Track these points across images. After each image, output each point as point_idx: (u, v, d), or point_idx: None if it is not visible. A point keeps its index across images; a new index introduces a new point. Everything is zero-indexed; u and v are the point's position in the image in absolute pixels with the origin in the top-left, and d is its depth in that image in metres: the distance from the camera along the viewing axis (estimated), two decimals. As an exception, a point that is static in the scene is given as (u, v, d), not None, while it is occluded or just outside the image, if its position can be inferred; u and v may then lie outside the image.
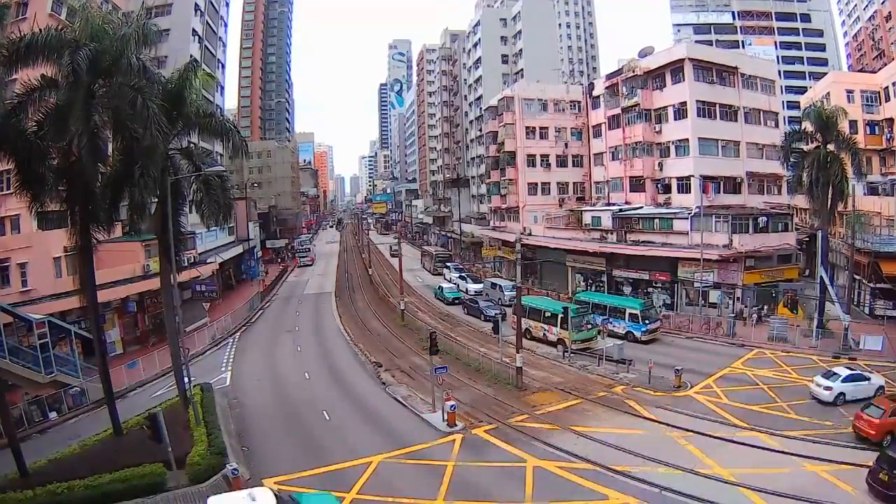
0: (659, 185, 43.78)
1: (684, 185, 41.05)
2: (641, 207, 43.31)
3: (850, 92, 46.33)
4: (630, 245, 41.05)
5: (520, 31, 69.82)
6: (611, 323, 33.28)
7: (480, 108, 67.96)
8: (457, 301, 46.24)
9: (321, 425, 22.43)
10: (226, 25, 65.36)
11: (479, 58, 72.19)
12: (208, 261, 47.12)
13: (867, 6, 76.11)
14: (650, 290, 40.13)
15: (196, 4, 52.71)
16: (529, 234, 50.20)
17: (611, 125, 48.83)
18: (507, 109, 55.35)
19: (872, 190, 40.63)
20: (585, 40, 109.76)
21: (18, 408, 23.00)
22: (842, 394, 21.63)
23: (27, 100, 16.94)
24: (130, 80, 17.28)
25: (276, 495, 13.33)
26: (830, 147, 30.21)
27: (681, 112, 41.29)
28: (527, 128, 54.63)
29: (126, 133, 17.78)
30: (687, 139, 40.88)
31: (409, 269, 59.53)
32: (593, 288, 44.65)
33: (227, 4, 66.18)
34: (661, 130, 43.02)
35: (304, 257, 79.71)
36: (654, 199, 43.71)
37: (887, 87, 45.03)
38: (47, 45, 16.41)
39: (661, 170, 43.20)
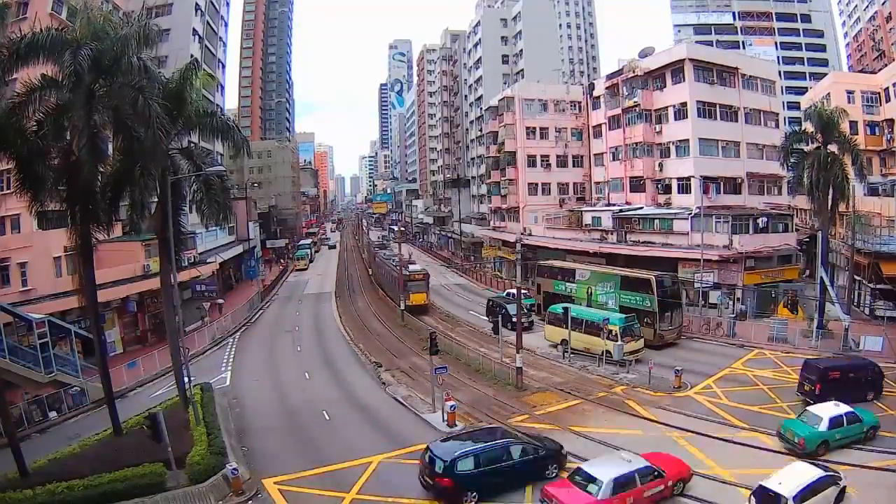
0: (659, 186, 43.81)
1: (684, 186, 41.07)
2: (641, 208, 43.33)
3: (850, 93, 46.28)
4: (630, 245, 41.06)
5: (520, 32, 69.86)
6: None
7: (481, 109, 68.03)
8: None
9: (321, 425, 22.42)
10: (226, 25, 65.39)
11: (480, 58, 72.26)
12: (208, 261, 47.13)
13: (867, 7, 76.13)
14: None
15: (196, 4, 52.74)
16: (530, 235, 50.23)
17: (611, 125, 48.87)
18: (508, 109, 55.39)
19: (873, 191, 40.58)
20: (585, 40, 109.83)
21: (18, 407, 22.98)
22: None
23: (28, 99, 16.91)
24: (131, 80, 17.29)
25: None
26: (831, 148, 30.19)
27: (681, 112, 41.33)
28: (527, 128, 54.69)
29: (126, 133, 17.78)
30: (687, 140, 40.91)
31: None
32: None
33: (228, 4, 66.24)
34: (662, 131, 43.04)
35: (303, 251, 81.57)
36: (654, 199, 43.73)
37: (888, 88, 45.00)
38: (48, 44, 16.40)
39: (661, 170, 43.22)
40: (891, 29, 69.88)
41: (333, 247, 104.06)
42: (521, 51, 69.77)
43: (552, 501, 13.95)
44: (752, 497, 13.13)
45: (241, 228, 63.78)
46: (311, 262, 79.63)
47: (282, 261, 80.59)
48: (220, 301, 45.62)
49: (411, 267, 48.09)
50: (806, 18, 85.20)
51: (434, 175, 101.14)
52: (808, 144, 32.02)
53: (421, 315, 41.00)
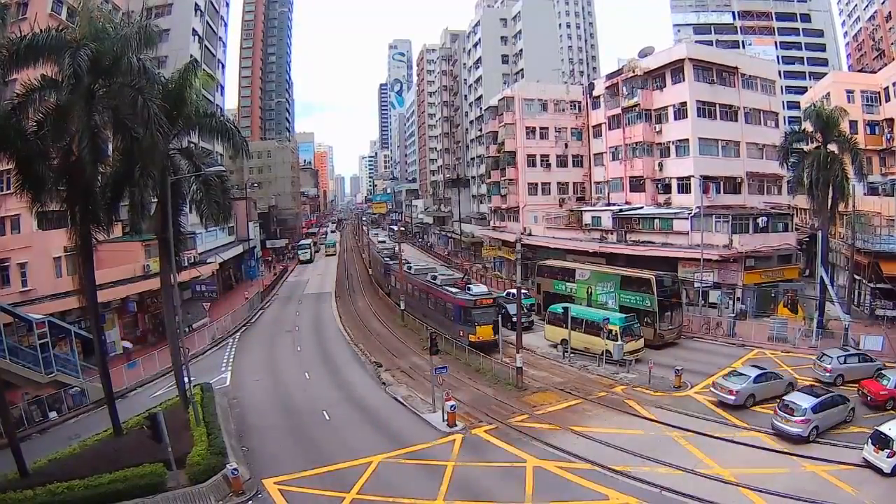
0: (659, 186, 43.78)
1: (684, 186, 41.05)
2: (641, 207, 43.30)
3: (850, 92, 46.24)
4: (630, 245, 41.04)
5: (520, 31, 69.81)
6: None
7: (480, 108, 67.97)
8: None
9: (321, 425, 22.44)
10: (226, 25, 65.37)
11: (480, 58, 72.21)
12: (208, 261, 47.15)
13: (867, 6, 76.09)
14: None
15: (196, 4, 52.73)
16: (529, 235, 50.22)
17: (611, 125, 48.85)
18: (508, 109, 55.36)
19: (873, 190, 40.60)
20: (585, 40, 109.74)
21: (18, 408, 23.00)
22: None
23: (27, 100, 16.92)
24: (131, 81, 17.28)
25: None
26: (831, 147, 30.18)
27: (681, 112, 41.29)
28: (527, 128, 54.65)
29: (126, 133, 17.77)
30: (687, 139, 40.88)
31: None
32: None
33: (227, 4, 66.22)
34: (662, 130, 43.01)
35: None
36: (654, 199, 43.71)
37: (887, 88, 44.97)
38: (48, 45, 16.40)
39: (661, 170, 43.20)
40: (890, 28, 69.86)
41: (335, 232, 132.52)
42: (521, 51, 69.70)
43: (865, 387, 21.35)
44: (870, 439, 16.56)
45: (241, 228, 63.80)
46: (311, 261, 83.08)
47: (281, 258, 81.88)
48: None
49: (474, 289, 36.52)
50: (806, 18, 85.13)
51: (434, 175, 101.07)
52: (807, 144, 32.01)
53: (491, 353, 29.30)
